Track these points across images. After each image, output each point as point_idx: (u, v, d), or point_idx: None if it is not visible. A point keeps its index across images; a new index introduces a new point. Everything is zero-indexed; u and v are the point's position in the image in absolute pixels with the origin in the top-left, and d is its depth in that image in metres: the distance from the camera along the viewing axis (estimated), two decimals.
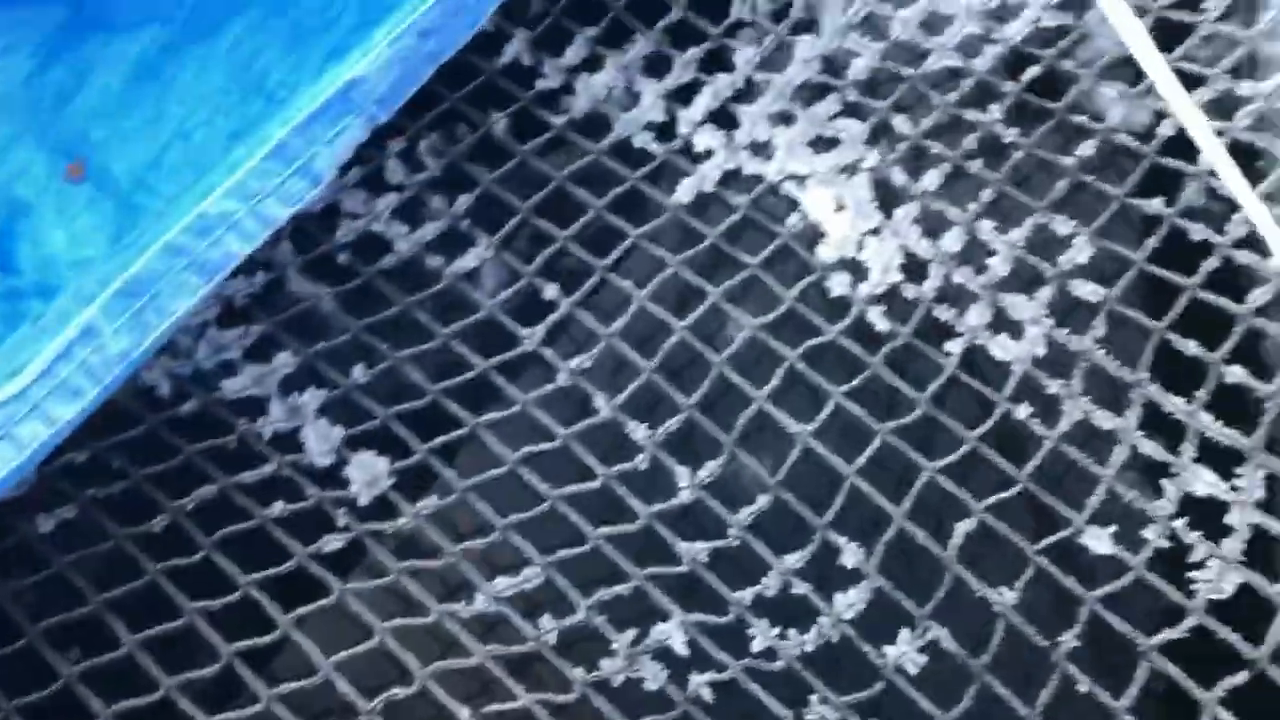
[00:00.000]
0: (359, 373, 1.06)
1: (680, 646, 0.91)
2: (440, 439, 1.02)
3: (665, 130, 1.19)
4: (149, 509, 1.00)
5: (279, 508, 0.99)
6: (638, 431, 1.01)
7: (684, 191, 1.15)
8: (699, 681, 0.90)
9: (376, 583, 0.96)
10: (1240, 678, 0.85)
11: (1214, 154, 0.85)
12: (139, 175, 1.14)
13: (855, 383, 1.01)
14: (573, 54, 1.23)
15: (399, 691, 0.90)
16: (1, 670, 0.92)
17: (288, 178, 0.94)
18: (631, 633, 0.92)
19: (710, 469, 0.98)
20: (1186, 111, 0.89)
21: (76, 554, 0.98)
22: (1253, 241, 1.01)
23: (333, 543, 0.98)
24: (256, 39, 1.18)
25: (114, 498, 1.01)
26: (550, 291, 1.09)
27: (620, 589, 0.94)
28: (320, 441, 1.03)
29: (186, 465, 1.02)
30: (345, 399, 1.05)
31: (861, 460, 0.97)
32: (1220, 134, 1.06)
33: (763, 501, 0.97)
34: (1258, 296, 0.99)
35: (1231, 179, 0.87)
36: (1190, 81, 1.08)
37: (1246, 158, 1.06)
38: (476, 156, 1.17)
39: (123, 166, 1.14)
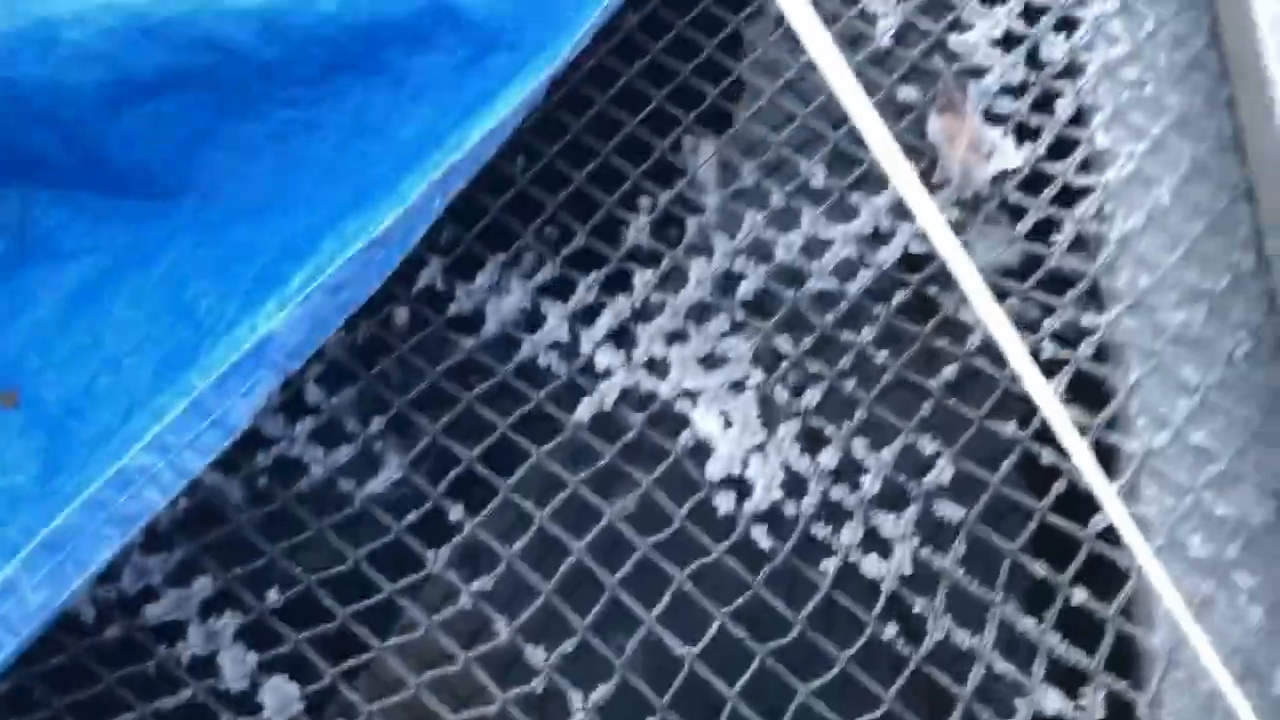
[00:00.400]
0: (274, 596, 1.12)
1: None
2: (349, 662, 1.08)
3: (568, 350, 1.29)
4: None
5: None
6: (534, 655, 1.08)
7: (584, 410, 1.24)
8: None
9: None
10: None
11: (1055, 418, 0.95)
12: (70, 402, 1.20)
13: (739, 603, 1.09)
14: (484, 279, 1.33)
15: None
16: None
17: (204, 431, 1.01)
18: None
19: (602, 692, 1.05)
20: (1027, 371, 0.99)
21: None
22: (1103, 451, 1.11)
23: None
24: (187, 267, 1.26)
25: None
26: (455, 513, 1.17)
27: None
28: (235, 666, 1.09)
29: (107, 693, 1.07)
30: (260, 623, 1.11)
31: (742, 682, 1.04)
32: (1065, 363, 1.17)
33: None
34: (1099, 521, 1.08)
35: (1068, 437, 0.96)
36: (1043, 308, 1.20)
37: (1091, 386, 1.17)
38: (389, 379, 1.26)
39: (54, 394, 1.21)
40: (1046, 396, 0.95)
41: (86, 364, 1.22)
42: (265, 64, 1.21)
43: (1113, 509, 0.93)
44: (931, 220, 1.06)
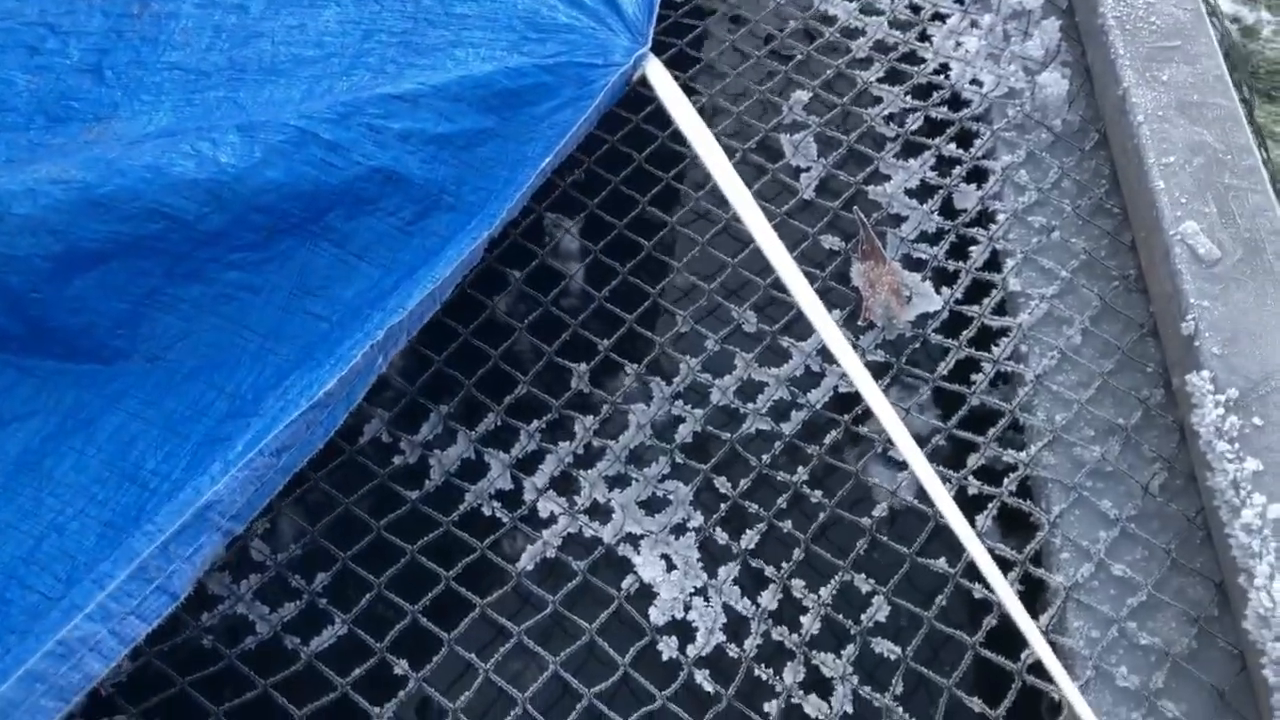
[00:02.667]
0: None
1: None
2: None
3: (511, 498, 1.31)
4: None
5: None
6: None
7: (527, 558, 1.26)
8: None
9: None
10: None
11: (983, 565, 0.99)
12: (12, 569, 1.20)
13: None
14: (427, 429, 1.36)
15: None
16: None
17: (147, 596, 1.02)
18: None
19: None
20: (946, 505, 1.03)
21: None
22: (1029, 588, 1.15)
23: None
24: (132, 429, 1.27)
25: None
26: (400, 668, 1.17)
27: None
28: None
29: None
30: None
31: None
32: (991, 499, 1.22)
33: None
34: (1029, 654, 1.11)
35: (996, 581, 1.00)
36: (964, 445, 1.25)
37: (1017, 520, 1.22)
38: (335, 533, 1.27)
39: None
40: (970, 538, 0.99)
41: (30, 529, 1.23)
42: (210, 231, 1.25)
43: (1038, 645, 0.96)
44: (851, 364, 1.12)
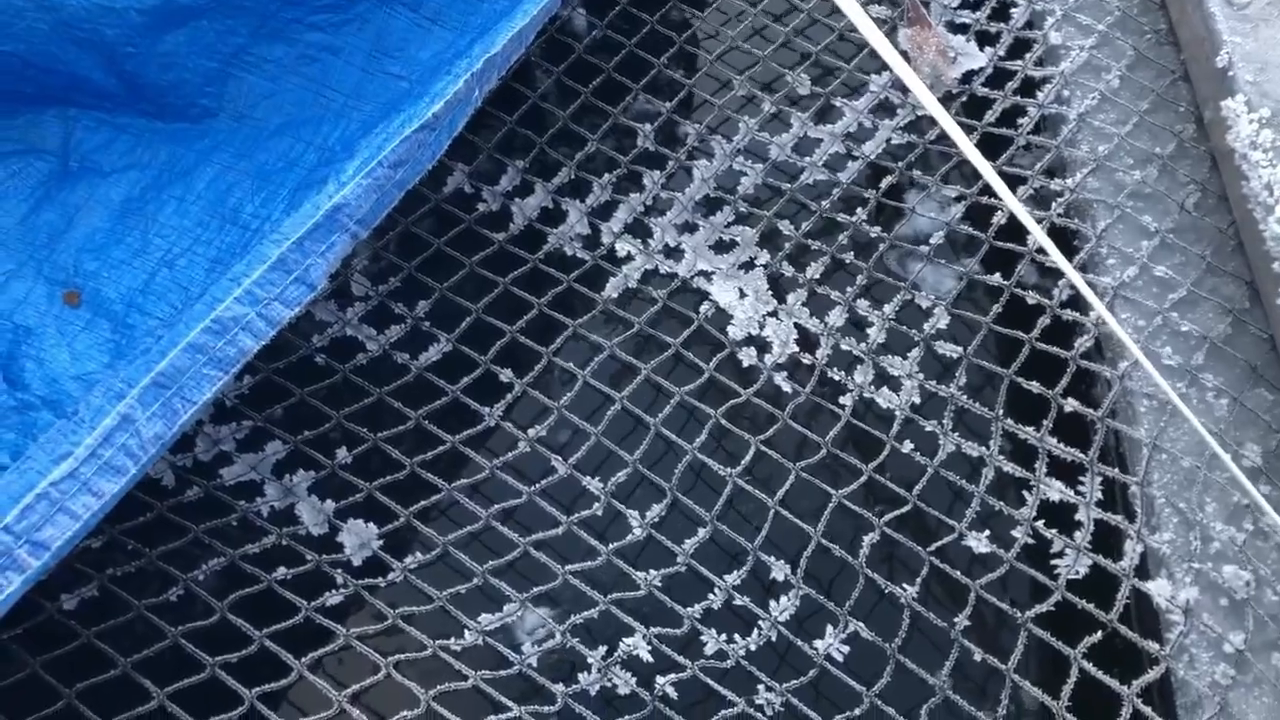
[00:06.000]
0: (343, 454, 1.22)
1: (645, 655, 1.08)
2: (422, 503, 1.18)
3: (590, 241, 1.41)
4: (164, 582, 1.12)
5: (282, 572, 1.13)
6: (593, 485, 1.19)
7: (612, 288, 1.36)
8: (664, 682, 1.06)
9: (377, 627, 1.10)
10: (1097, 636, 1.06)
11: (1039, 235, 1.10)
12: (131, 299, 1.29)
13: (769, 433, 1.21)
14: (506, 181, 1.44)
15: (407, 714, 1.03)
16: None
17: (288, 285, 1.10)
18: (602, 649, 1.09)
19: (656, 511, 1.16)
20: (1014, 204, 1.13)
21: (101, 625, 1.09)
22: (1074, 303, 1.27)
23: (334, 598, 1.12)
24: (227, 179, 1.35)
25: (131, 575, 1.13)
26: (505, 376, 1.27)
27: (589, 613, 1.10)
28: (313, 514, 1.18)
29: (195, 543, 1.15)
30: (333, 478, 1.20)
31: (781, 493, 1.16)
32: (1040, 220, 1.32)
33: (702, 534, 1.15)
34: (1082, 343, 1.23)
35: (1054, 253, 1.11)
36: (1013, 181, 1.35)
37: (1065, 237, 1.33)
38: (431, 269, 1.36)
39: (115, 292, 1.29)
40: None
41: (143, 264, 1.31)
42: None
43: (1072, 276, 1.07)
44: (918, 88, 1.21)
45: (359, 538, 1.16)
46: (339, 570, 1.14)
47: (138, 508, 1.17)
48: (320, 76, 1.40)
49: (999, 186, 1.22)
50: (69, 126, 1.40)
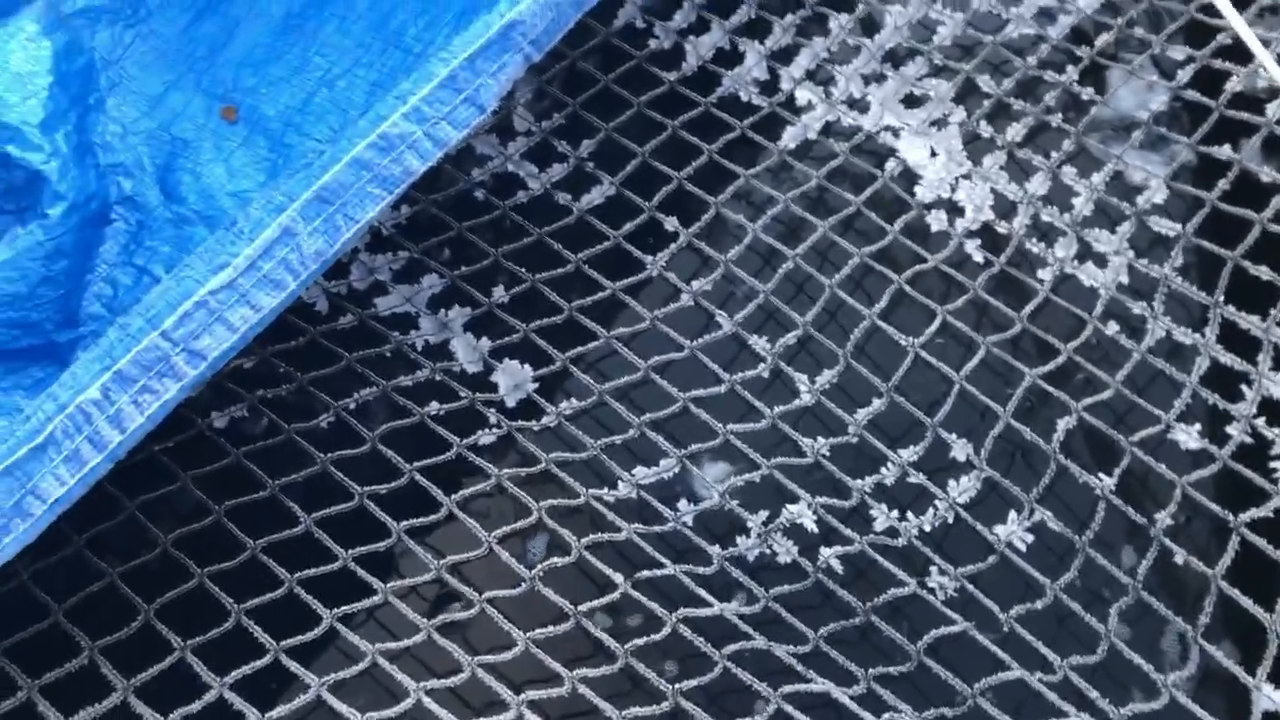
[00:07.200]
0: (500, 293, 1.16)
1: (810, 525, 1.01)
2: (578, 349, 1.12)
3: (768, 87, 1.30)
4: (315, 408, 1.09)
5: (435, 407, 1.09)
6: (758, 344, 1.11)
7: (789, 138, 1.26)
8: (829, 554, 0.99)
9: (529, 470, 1.05)
10: None
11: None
12: (288, 118, 1.24)
13: (958, 303, 1.11)
14: (680, 18, 1.34)
15: (557, 560, 0.99)
16: (195, 542, 1.01)
17: (458, 105, 1.03)
18: (763, 514, 1.02)
19: (828, 376, 1.08)
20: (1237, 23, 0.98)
21: (249, 446, 1.07)
22: None
23: (486, 436, 1.07)
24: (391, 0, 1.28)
25: (281, 398, 1.10)
26: (670, 224, 1.19)
27: (750, 476, 1.03)
28: (468, 352, 1.13)
29: (347, 370, 1.11)
30: (489, 315, 1.15)
31: (969, 368, 1.07)
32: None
33: (878, 404, 1.06)
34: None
35: None
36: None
37: None
38: (596, 107, 1.28)
39: (273, 109, 1.25)
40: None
41: (302, 83, 1.26)
42: None
43: None
44: None
45: (513, 378, 1.11)
46: (492, 410, 1.09)
47: (291, 331, 1.14)
48: None
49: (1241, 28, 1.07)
50: None
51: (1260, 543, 0.95)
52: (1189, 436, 1.03)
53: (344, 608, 0.97)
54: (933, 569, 0.99)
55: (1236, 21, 1.04)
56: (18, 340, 1.07)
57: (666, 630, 0.96)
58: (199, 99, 1.26)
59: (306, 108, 1.25)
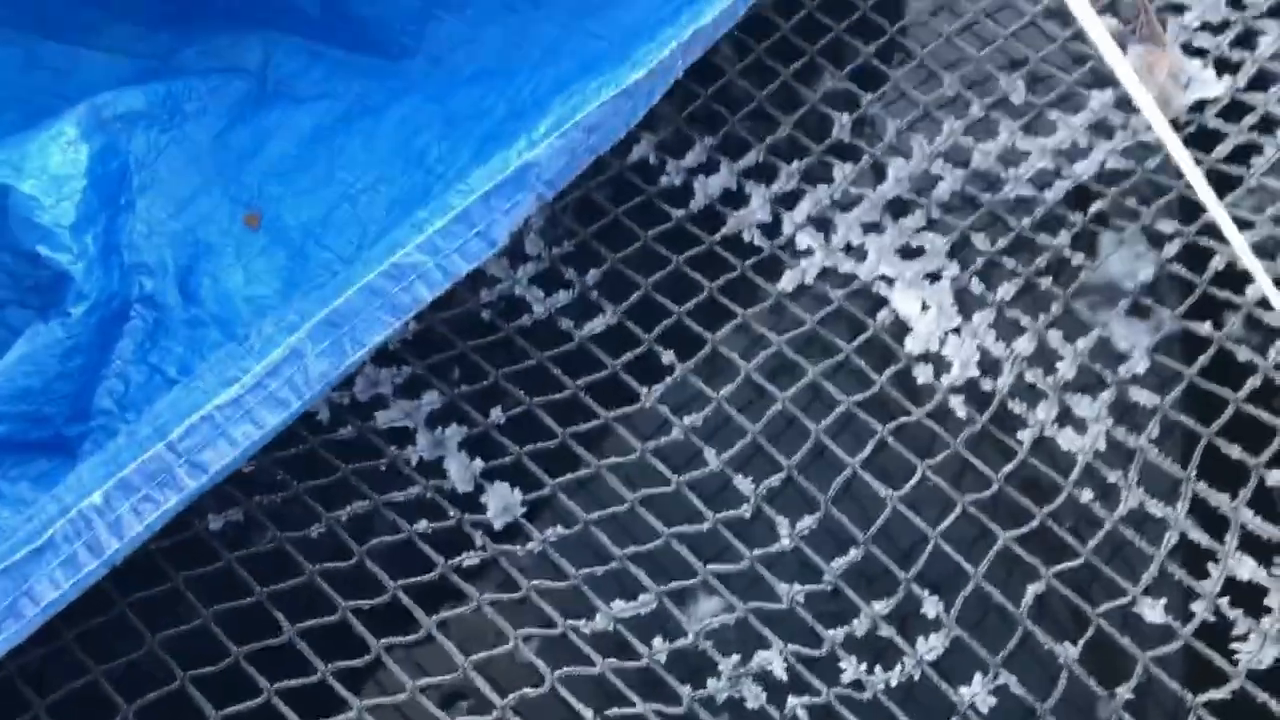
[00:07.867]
0: (497, 414, 1.20)
1: (779, 672, 1.03)
2: (568, 476, 1.15)
3: (770, 229, 1.35)
4: (308, 517, 1.13)
5: (423, 525, 1.12)
6: (743, 484, 1.14)
7: (787, 281, 1.30)
8: (795, 703, 1.02)
9: (509, 596, 1.08)
10: None
11: (1265, 284, 1.00)
12: (309, 228, 1.29)
13: (939, 458, 1.15)
14: (692, 158, 1.40)
15: (530, 691, 1.01)
16: (175, 645, 1.04)
17: (470, 239, 1.08)
18: (735, 657, 1.05)
19: (808, 522, 1.11)
20: (1240, 245, 1.04)
21: (243, 551, 1.10)
22: None
23: (470, 559, 1.10)
24: (417, 120, 1.34)
25: (276, 505, 1.14)
26: (667, 357, 1.23)
27: (725, 618, 1.06)
28: (461, 471, 1.16)
29: (342, 482, 1.15)
30: (484, 436, 1.18)
31: (944, 525, 1.10)
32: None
33: (854, 554, 1.09)
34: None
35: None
36: (1239, 224, 1.24)
37: None
38: (605, 237, 1.33)
39: (295, 219, 1.30)
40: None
41: (325, 195, 1.31)
42: None
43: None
44: (1149, 106, 1.12)
45: (502, 501, 1.14)
46: (479, 531, 1.12)
47: (291, 438, 1.17)
48: (520, 27, 1.38)
49: (1226, 225, 1.13)
50: (269, 49, 1.41)
51: None
52: (1153, 610, 1.05)
53: None
54: None
55: (1219, 214, 1.09)
56: (28, 433, 1.11)
57: None
58: (225, 204, 1.31)
59: (327, 220, 1.30)
